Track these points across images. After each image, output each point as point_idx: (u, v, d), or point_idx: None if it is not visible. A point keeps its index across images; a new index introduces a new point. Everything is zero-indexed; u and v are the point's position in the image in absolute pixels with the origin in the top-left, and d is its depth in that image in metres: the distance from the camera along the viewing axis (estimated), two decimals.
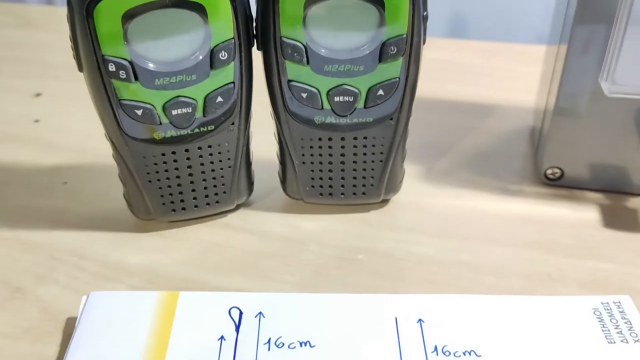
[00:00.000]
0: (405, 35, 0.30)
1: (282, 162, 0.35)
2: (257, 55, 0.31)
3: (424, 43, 0.31)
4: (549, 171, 0.37)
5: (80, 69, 0.29)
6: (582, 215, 0.36)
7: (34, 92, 0.50)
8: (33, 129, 0.45)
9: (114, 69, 0.28)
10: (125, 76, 0.28)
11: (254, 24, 0.30)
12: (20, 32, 0.63)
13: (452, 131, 0.44)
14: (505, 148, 0.42)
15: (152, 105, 0.30)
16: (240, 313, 0.28)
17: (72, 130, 0.44)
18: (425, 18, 0.30)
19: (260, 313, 0.28)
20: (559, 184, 0.37)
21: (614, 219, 0.35)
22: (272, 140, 0.35)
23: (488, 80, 0.52)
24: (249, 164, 0.35)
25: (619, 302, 0.28)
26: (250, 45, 0.31)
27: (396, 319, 0.28)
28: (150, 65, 0.29)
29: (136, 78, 0.29)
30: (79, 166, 0.40)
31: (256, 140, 0.34)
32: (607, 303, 0.28)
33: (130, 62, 0.28)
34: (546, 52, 0.42)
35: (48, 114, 0.47)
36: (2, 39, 0.61)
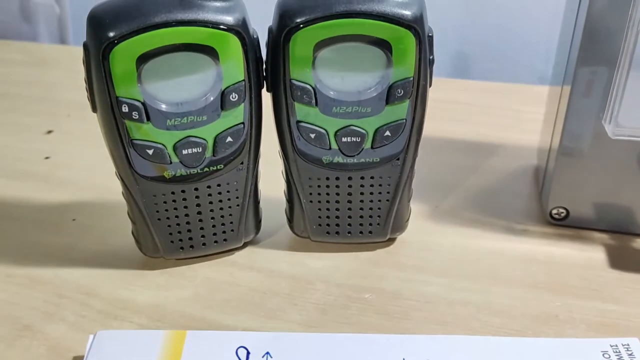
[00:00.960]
0: (412, 78, 0.30)
1: (290, 201, 0.35)
2: (266, 96, 0.32)
3: (430, 86, 0.31)
4: (554, 211, 0.37)
5: (94, 109, 0.30)
6: (588, 256, 0.36)
7: (46, 129, 0.51)
8: (44, 165, 0.46)
9: (127, 110, 0.29)
10: (137, 117, 0.29)
11: (264, 66, 0.31)
12: (34, 71, 0.64)
13: (456, 170, 0.45)
14: (509, 187, 0.43)
15: (163, 145, 0.30)
16: (248, 353, 0.28)
17: (82, 167, 0.45)
18: (432, 62, 0.31)
19: (267, 353, 0.28)
20: (564, 223, 0.38)
21: (621, 260, 0.35)
22: (280, 178, 0.35)
23: (491, 120, 0.53)
24: (257, 202, 0.35)
25: (628, 345, 0.28)
26: (260, 87, 0.31)
27: (404, 359, 0.28)
28: (163, 106, 0.29)
29: (148, 119, 0.29)
30: (88, 203, 0.41)
31: (263, 178, 0.35)
32: (616, 345, 0.28)
33: (143, 103, 0.29)
34: (549, 93, 0.43)
35: (59, 151, 0.48)
36: (17, 76, 0.63)
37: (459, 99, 0.56)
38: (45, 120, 0.53)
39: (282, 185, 0.35)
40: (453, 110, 0.54)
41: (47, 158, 0.47)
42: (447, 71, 0.69)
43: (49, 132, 0.51)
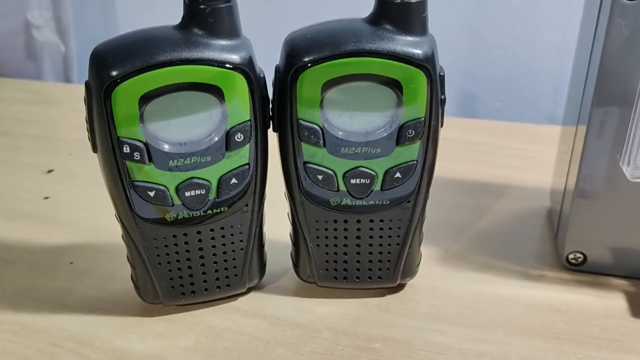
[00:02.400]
0: (423, 119, 0.29)
1: (296, 244, 0.34)
2: (272, 136, 0.31)
3: (441, 126, 0.30)
4: (571, 256, 0.36)
5: (95, 149, 0.29)
6: (608, 304, 0.34)
7: (47, 168, 0.50)
8: (42, 205, 0.45)
9: (128, 151, 0.28)
10: (139, 158, 0.28)
11: (271, 105, 0.30)
12: (37, 109, 0.64)
13: (466, 212, 0.43)
14: (522, 230, 0.41)
15: (165, 186, 0.29)
16: None
17: (81, 208, 0.44)
18: (443, 101, 0.30)
19: None
20: (581, 269, 0.36)
21: None
22: (285, 220, 0.34)
23: (500, 160, 0.52)
24: (261, 245, 0.34)
25: None
26: (267, 127, 0.31)
27: None
28: (165, 147, 0.28)
29: (150, 159, 0.28)
30: (86, 245, 0.39)
31: (268, 220, 0.33)
32: None
33: (145, 144, 0.28)
34: (562, 133, 0.42)
35: (59, 191, 0.47)
36: (19, 115, 0.62)
37: (467, 139, 0.55)
38: (46, 159, 0.52)
39: (287, 228, 0.34)
40: (461, 149, 0.53)
41: (46, 198, 0.46)
42: (454, 110, 0.68)
43: (50, 171, 0.50)
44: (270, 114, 0.31)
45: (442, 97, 0.30)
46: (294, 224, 0.33)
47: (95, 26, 0.74)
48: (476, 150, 0.54)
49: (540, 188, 0.45)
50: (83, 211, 0.43)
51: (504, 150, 0.53)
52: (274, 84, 0.30)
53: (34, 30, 0.71)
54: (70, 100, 0.65)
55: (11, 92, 0.68)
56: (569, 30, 0.61)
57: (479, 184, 0.48)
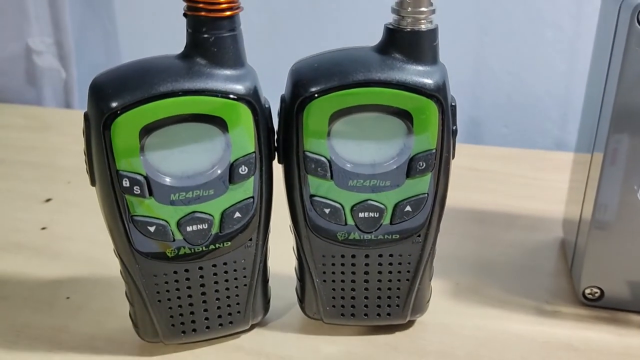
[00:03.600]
0: (434, 150, 0.28)
1: (301, 279, 0.33)
2: (277, 168, 0.30)
3: (453, 157, 0.29)
4: (588, 291, 0.35)
5: (93, 183, 0.28)
6: (628, 342, 0.32)
7: (45, 197, 0.49)
8: (39, 236, 0.43)
9: (127, 185, 0.27)
10: (139, 191, 0.27)
11: (276, 136, 0.29)
12: (36, 136, 0.63)
13: (475, 243, 0.42)
14: (535, 262, 0.40)
15: (166, 221, 0.28)
16: None
17: (79, 239, 0.43)
18: (455, 132, 0.29)
19: None
20: (599, 304, 0.35)
21: None
22: (290, 254, 0.32)
23: (509, 188, 0.50)
24: (265, 281, 0.33)
25: None
26: (272, 159, 0.29)
27: None
28: (167, 180, 0.27)
29: (151, 193, 0.27)
30: (84, 279, 0.38)
31: (273, 253, 0.32)
32: None
33: (146, 177, 0.27)
34: (574, 160, 0.41)
35: (56, 221, 0.45)
36: (18, 141, 0.61)
37: (474, 166, 0.54)
38: (44, 187, 0.51)
39: (292, 262, 0.33)
40: (469, 177, 0.52)
41: (43, 229, 0.44)
42: (459, 136, 0.67)
43: (47, 200, 0.49)
44: (276, 145, 0.29)
45: (454, 127, 0.29)
46: (299, 258, 0.32)
47: (96, 52, 0.74)
48: (484, 178, 0.52)
49: (553, 218, 0.44)
50: (81, 243, 0.42)
51: (513, 178, 0.52)
52: (280, 115, 0.29)
53: (35, 55, 0.71)
54: (70, 127, 0.64)
55: (9, 118, 0.68)
56: (575, 55, 0.61)
57: (488, 213, 0.46)
